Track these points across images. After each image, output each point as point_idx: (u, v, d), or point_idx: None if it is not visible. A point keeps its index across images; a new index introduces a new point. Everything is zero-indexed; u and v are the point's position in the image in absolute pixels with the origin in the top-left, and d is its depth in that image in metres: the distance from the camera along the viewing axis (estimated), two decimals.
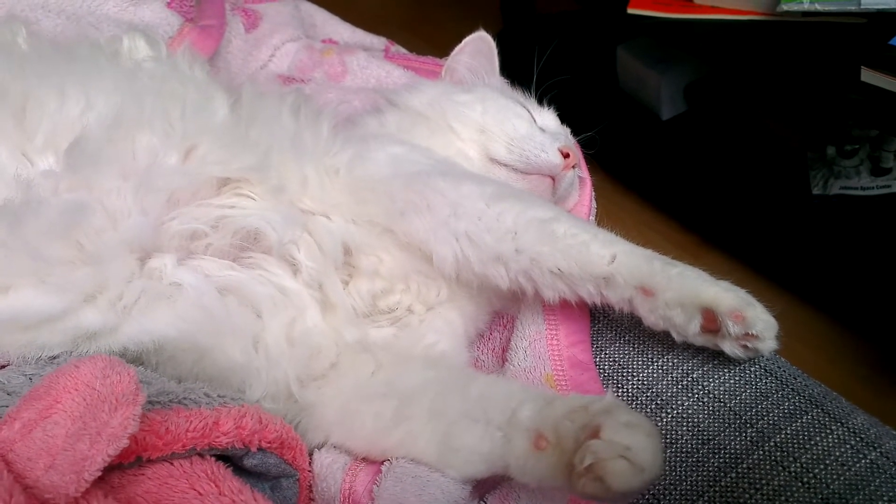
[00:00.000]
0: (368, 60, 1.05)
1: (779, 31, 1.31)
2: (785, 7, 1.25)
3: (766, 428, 0.63)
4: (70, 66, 0.70)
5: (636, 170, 1.82)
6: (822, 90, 1.27)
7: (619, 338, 0.74)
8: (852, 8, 1.19)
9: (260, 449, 0.56)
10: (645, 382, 0.70)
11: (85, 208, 0.60)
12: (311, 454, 0.66)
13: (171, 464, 0.51)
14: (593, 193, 0.87)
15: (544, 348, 0.72)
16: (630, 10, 1.46)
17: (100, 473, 0.44)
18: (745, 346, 0.63)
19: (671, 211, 1.76)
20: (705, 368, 0.69)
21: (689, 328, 0.62)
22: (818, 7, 1.22)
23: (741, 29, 1.35)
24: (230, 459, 0.56)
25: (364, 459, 0.66)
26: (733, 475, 0.61)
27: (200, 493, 0.50)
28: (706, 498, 0.61)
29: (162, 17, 0.96)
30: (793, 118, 1.63)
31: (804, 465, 0.60)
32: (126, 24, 0.93)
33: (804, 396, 0.65)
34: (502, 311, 0.79)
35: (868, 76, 1.08)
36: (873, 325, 1.41)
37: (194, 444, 0.52)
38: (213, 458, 0.53)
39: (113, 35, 0.83)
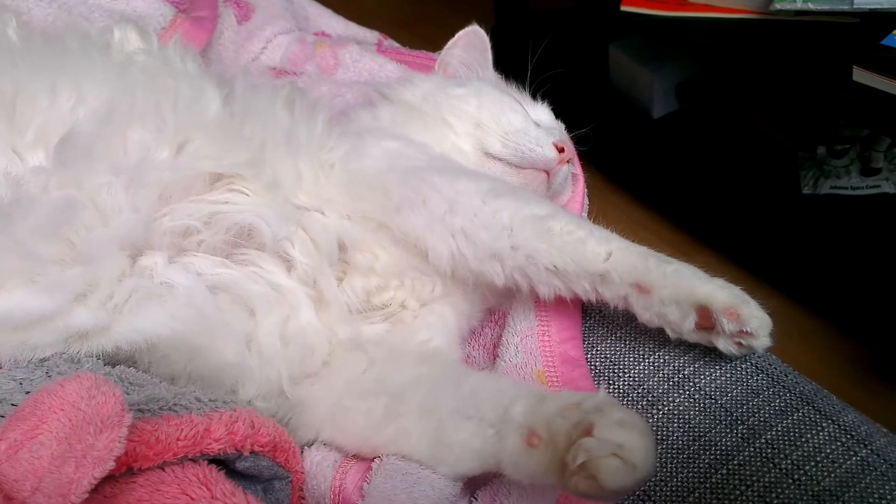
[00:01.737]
0: (361, 54, 1.04)
1: (771, 30, 1.31)
2: (778, 6, 1.25)
3: (757, 425, 0.64)
4: (61, 59, 0.69)
5: (627, 168, 1.82)
6: (814, 89, 1.27)
7: (611, 334, 0.74)
8: (845, 7, 1.19)
9: (252, 452, 0.56)
10: (636, 379, 0.70)
11: (75, 205, 0.59)
12: (301, 451, 0.66)
13: (163, 470, 0.51)
14: (586, 190, 0.87)
15: (536, 344, 0.72)
16: (623, 8, 1.46)
17: (87, 496, 0.43)
18: (740, 344, 0.62)
19: (662, 209, 1.77)
20: (697, 365, 0.69)
21: (684, 325, 0.62)
22: (811, 6, 1.22)
23: (734, 27, 1.36)
24: (222, 462, 0.55)
25: (354, 457, 0.65)
26: (724, 472, 0.61)
27: (192, 498, 0.49)
28: (697, 494, 0.61)
29: (154, 7, 0.95)
30: (784, 117, 1.63)
31: (795, 462, 0.61)
32: (118, 15, 0.92)
33: (795, 394, 0.66)
34: (495, 307, 0.78)
35: (860, 76, 1.09)
36: (863, 325, 1.42)
37: (185, 453, 0.51)
38: (204, 462, 0.53)
39: (104, 26, 0.82)
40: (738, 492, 0.60)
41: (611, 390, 0.70)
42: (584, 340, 0.74)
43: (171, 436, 0.50)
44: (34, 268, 0.57)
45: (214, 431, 0.53)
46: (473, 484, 0.64)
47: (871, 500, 0.57)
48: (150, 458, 0.49)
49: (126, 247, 0.61)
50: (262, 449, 0.56)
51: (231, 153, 0.66)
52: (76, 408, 0.45)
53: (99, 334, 0.58)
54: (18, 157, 0.62)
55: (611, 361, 0.72)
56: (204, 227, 0.64)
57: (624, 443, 0.50)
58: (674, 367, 0.69)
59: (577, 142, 0.88)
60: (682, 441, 0.64)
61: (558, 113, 0.90)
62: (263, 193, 0.67)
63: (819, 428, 0.63)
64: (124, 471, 0.48)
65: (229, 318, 0.63)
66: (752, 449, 0.62)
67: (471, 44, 0.93)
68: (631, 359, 0.71)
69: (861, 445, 0.61)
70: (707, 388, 0.67)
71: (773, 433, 0.63)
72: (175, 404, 0.54)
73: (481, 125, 0.80)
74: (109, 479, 0.48)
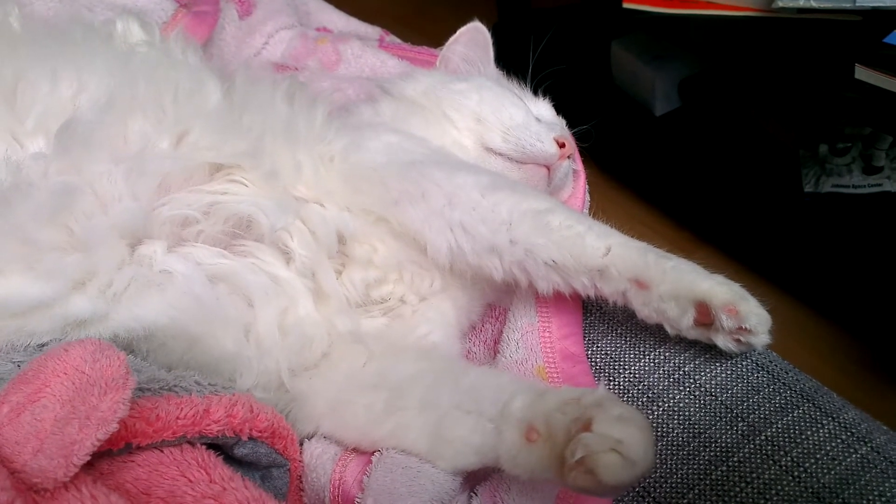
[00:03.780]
0: (363, 49, 1.04)
1: (774, 27, 1.31)
2: (780, 4, 1.25)
3: (757, 422, 0.64)
4: (63, 48, 0.69)
5: (629, 165, 1.82)
6: (816, 87, 1.27)
7: (612, 331, 0.74)
8: (847, 5, 1.19)
9: (251, 438, 0.56)
10: (637, 375, 0.70)
11: (75, 192, 0.59)
12: (301, 444, 0.66)
13: (161, 451, 0.51)
14: (587, 186, 0.87)
15: (536, 340, 0.71)
16: (626, 5, 1.46)
17: (88, 458, 0.43)
18: (739, 341, 0.63)
19: (663, 207, 1.76)
20: (697, 362, 0.69)
21: (683, 321, 0.62)
22: (813, 4, 1.22)
23: (736, 25, 1.36)
24: (221, 448, 0.55)
25: (354, 450, 0.65)
26: (724, 468, 0.61)
27: (191, 480, 0.49)
28: (697, 491, 0.61)
29: (156, 1, 0.95)
30: (786, 115, 1.63)
31: (795, 459, 0.60)
32: (120, 8, 0.92)
33: (795, 391, 0.65)
34: (495, 302, 0.78)
35: (862, 74, 1.09)
36: (864, 323, 1.42)
37: (185, 432, 0.51)
38: (203, 447, 0.53)
39: (107, 18, 0.82)
40: (737, 489, 0.60)
41: (611, 387, 0.70)
42: (585, 337, 0.74)
43: (170, 414, 0.51)
44: (33, 254, 0.57)
45: (214, 413, 0.53)
46: (473, 479, 0.64)
47: (870, 497, 0.57)
48: (149, 434, 0.49)
49: (125, 235, 0.61)
50: (260, 434, 0.56)
51: (230, 143, 0.66)
52: (80, 371, 0.45)
53: (97, 322, 0.58)
54: (18, 144, 0.62)
55: (611, 358, 0.72)
56: (203, 217, 0.64)
57: (623, 438, 0.50)
58: (674, 363, 0.69)
59: (579, 138, 0.88)
60: (682, 438, 0.64)
61: (560, 110, 0.90)
62: (262, 184, 0.67)
63: (819, 425, 0.63)
64: (122, 447, 0.48)
65: (228, 307, 0.63)
66: (752, 446, 0.62)
67: (473, 40, 0.93)
68: (631, 355, 0.71)
69: (861, 443, 0.61)
70: (707, 385, 0.67)
71: (774, 430, 0.63)
72: (175, 386, 0.54)
73: (482, 120, 0.79)
74: (107, 455, 0.48)
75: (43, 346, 0.57)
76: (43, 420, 0.44)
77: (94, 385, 0.45)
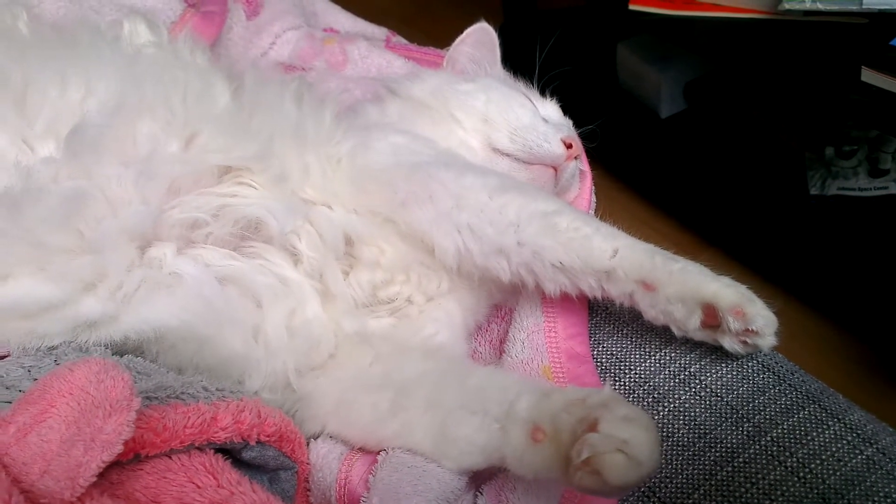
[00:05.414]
0: (369, 50, 1.04)
1: (780, 30, 1.31)
2: (786, 6, 1.25)
3: (762, 423, 0.64)
4: (71, 51, 0.70)
5: (634, 167, 1.82)
6: (823, 90, 1.27)
7: (618, 331, 0.74)
8: (854, 8, 1.19)
9: (259, 442, 0.56)
10: (642, 376, 0.70)
11: (85, 195, 0.59)
12: (307, 444, 0.66)
13: (170, 458, 0.51)
14: (593, 187, 0.87)
15: (542, 340, 0.72)
16: (632, 7, 1.46)
17: (95, 479, 0.44)
18: (745, 342, 0.63)
19: (669, 209, 1.76)
20: (703, 363, 0.69)
21: (690, 323, 0.62)
22: (820, 6, 1.22)
23: (742, 27, 1.36)
24: (229, 452, 0.55)
25: (360, 449, 0.66)
26: (729, 469, 0.61)
27: (199, 486, 0.50)
28: (702, 491, 0.61)
29: (164, 1, 0.96)
30: (792, 118, 1.63)
31: (801, 460, 0.61)
32: (127, 8, 0.92)
33: (801, 392, 0.65)
34: (501, 303, 0.78)
35: (868, 76, 1.09)
36: (869, 326, 1.41)
37: (192, 441, 0.51)
38: (211, 451, 0.53)
39: (114, 19, 0.83)
40: (743, 489, 0.60)
41: (617, 387, 0.70)
42: (591, 337, 0.74)
43: (178, 423, 0.51)
44: (43, 257, 0.58)
45: (221, 420, 0.53)
46: (479, 478, 0.64)
47: (876, 498, 0.57)
48: (157, 444, 0.49)
49: (135, 238, 0.61)
50: (268, 439, 0.56)
51: (239, 146, 0.67)
52: (85, 391, 0.45)
53: (107, 324, 0.59)
54: (29, 148, 0.62)
55: (617, 358, 0.72)
56: (212, 219, 0.64)
57: (629, 438, 0.50)
58: (680, 364, 0.69)
59: (584, 138, 0.88)
60: (688, 438, 0.64)
61: (565, 111, 0.90)
62: (271, 187, 0.67)
63: (825, 426, 0.63)
64: (131, 457, 0.49)
65: (237, 309, 0.64)
66: (757, 446, 0.62)
67: (479, 41, 0.93)
68: (637, 356, 0.71)
69: (867, 444, 0.61)
70: (713, 386, 0.67)
71: (779, 431, 0.63)
72: (182, 393, 0.54)
73: (489, 121, 0.80)
74: (116, 465, 0.48)
75: (53, 349, 0.57)
76: (49, 441, 0.44)
77: (98, 407, 0.45)
